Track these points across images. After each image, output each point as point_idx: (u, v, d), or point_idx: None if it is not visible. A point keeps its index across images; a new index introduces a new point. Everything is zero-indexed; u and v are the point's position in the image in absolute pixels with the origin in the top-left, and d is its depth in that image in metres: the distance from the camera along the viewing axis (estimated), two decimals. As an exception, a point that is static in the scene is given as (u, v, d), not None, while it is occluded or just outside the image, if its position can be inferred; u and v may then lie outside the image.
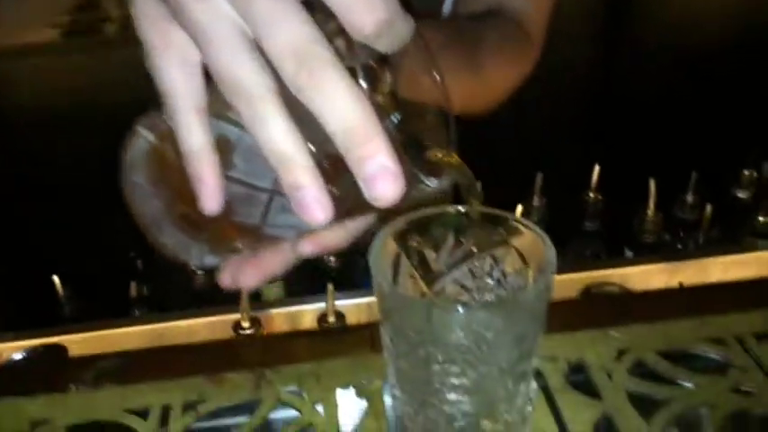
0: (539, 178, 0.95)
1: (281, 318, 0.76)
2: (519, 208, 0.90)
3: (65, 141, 1.05)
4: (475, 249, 0.47)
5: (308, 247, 0.38)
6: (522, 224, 0.45)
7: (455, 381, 0.42)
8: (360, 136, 0.29)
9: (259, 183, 0.33)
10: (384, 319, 0.44)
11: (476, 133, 0.70)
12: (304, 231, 0.36)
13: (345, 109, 0.29)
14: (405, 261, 0.47)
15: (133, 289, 0.92)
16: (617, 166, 0.98)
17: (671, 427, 0.47)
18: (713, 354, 0.51)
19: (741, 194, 0.98)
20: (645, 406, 0.48)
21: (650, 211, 0.91)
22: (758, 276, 0.59)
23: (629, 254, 0.95)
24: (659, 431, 0.46)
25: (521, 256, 0.46)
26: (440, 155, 0.37)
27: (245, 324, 0.72)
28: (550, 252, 0.42)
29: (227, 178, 0.32)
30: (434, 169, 0.36)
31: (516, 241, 0.45)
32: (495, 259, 0.47)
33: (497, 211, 0.46)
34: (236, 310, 0.72)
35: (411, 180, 0.32)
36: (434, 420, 0.44)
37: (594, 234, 0.98)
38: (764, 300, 0.55)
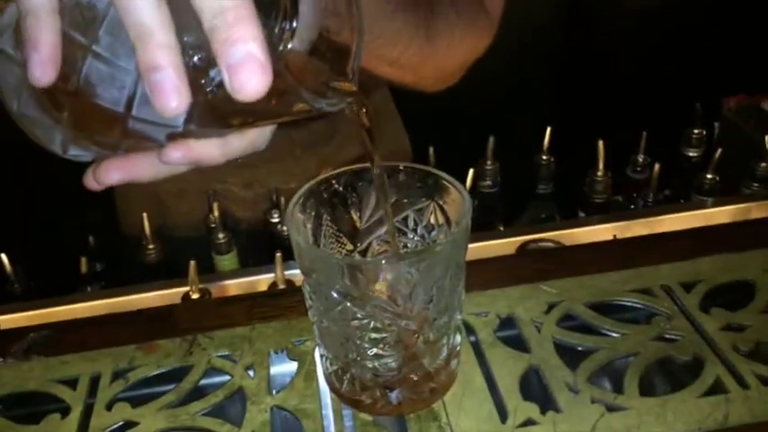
0: (491, 141, 0.95)
1: (234, 288, 0.76)
2: (471, 171, 0.90)
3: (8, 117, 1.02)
4: (397, 206, 0.47)
5: (174, 153, 0.34)
6: (442, 178, 0.44)
7: (375, 335, 0.42)
8: (230, 17, 0.27)
9: (124, 63, 0.30)
10: (305, 278, 0.43)
11: (428, 97, 0.69)
12: (175, 133, 0.33)
13: None
14: (327, 221, 0.46)
15: (84, 265, 0.91)
16: (568, 128, 0.98)
17: (596, 375, 0.47)
18: (641, 304, 0.52)
19: (691, 153, 0.99)
20: (572, 357, 0.48)
21: (600, 171, 0.91)
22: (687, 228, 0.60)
23: (581, 215, 0.95)
24: (584, 380, 0.46)
25: (442, 210, 0.46)
26: (337, 80, 0.36)
27: (195, 296, 0.72)
28: (467, 204, 0.42)
29: (92, 53, 0.30)
30: (324, 91, 0.35)
31: (437, 196, 0.45)
32: (418, 215, 0.47)
33: (417, 166, 0.45)
34: (186, 283, 0.72)
35: (294, 92, 0.30)
36: (360, 377, 0.44)
37: (548, 196, 0.98)
38: (693, 250, 0.56)
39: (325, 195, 0.46)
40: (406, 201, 0.47)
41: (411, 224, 0.47)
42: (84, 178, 0.36)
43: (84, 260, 0.90)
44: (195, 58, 0.29)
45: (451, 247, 0.41)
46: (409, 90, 0.65)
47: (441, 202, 0.45)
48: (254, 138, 0.37)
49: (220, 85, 0.29)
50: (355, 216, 0.47)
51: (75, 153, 0.34)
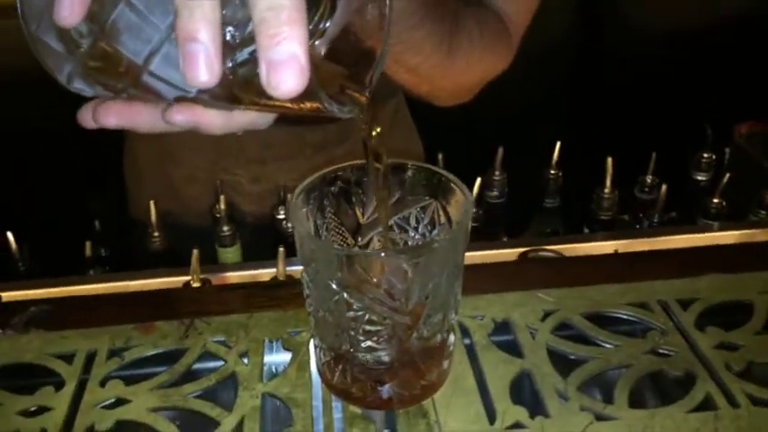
0: (500, 152, 0.95)
1: (235, 280, 0.76)
2: (478, 180, 0.91)
3: (21, 98, 1.03)
4: (401, 203, 0.47)
5: (178, 115, 0.34)
6: (445, 177, 0.45)
7: (370, 328, 0.42)
8: (284, 15, 0.27)
9: (156, 20, 0.30)
10: (304, 268, 0.44)
11: (439, 107, 0.70)
12: (186, 97, 0.33)
13: None
14: (330, 213, 0.47)
15: (88, 249, 0.91)
16: (578, 144, 0.98)
17: (587, 384, 0.47)
18: (637, 317, 0.52)
19: (700, 177, 0.99)
20: (565, 365, 0.49)
21: (607, 189, 0.91)
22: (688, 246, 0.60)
23: (586, 231, 0.95)
24: (575, 388, 0.47)
25: (444, 210, 0.46)
26: (352, 87, 0.36)
27: (196, 285, 0.73)
28: (468, 204, 0.42)
29: (125, 1, 0.30)
30: (341, 97, 0.36)
31: (441, 195, 0.46)
32: (420, 213, 0.47)
33: (421, 164, 0.46)
34: (188, 272, 0.72)
35: (313, 92, 0.30)
36: (352, 369, 0.45)
37: (554, 210, 0.99)
38: (692, 268, 0.56)
39: (329, 189, 0.46)
40: (410, 198, 0.48)
41: (413, 222, 0.48)
42: (80, 114, 0.36)
43: (89, 244, 0.91)
44: (227, 35, 0.30)
45: (449, 245, 0.41)
46: (421, 99, 0.66)
47: (444, 202, 0.46)
48: (255, 116, 0.38)
49: (243, 65, 0.30)
50: (358, 211, 0.48)
51: (79, 87, 0.35)
